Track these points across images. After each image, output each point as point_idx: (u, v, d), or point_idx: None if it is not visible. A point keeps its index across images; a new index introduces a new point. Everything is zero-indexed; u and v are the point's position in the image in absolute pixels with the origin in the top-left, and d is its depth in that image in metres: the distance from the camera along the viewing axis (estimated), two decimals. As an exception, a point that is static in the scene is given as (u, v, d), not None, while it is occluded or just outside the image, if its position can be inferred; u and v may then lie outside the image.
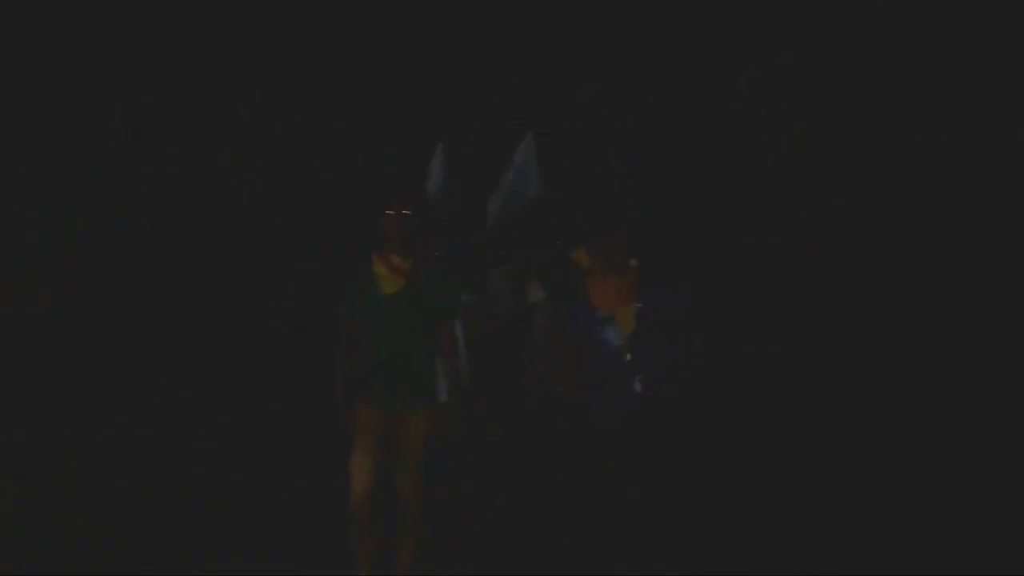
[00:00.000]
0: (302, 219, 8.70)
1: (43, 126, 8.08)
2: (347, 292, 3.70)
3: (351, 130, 8.87)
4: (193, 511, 4.49)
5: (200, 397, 6.83)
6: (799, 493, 4.54)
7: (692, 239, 7.34)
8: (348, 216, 7.63)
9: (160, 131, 8.53)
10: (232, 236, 8.64)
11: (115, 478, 4.99)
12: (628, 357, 3.52)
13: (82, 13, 8.12)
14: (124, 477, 5.01)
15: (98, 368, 7.30)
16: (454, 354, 3.73)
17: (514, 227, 5.90)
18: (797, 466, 4.93)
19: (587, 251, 3.77)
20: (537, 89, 8.11)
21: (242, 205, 8.90)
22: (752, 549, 3.86)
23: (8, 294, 7.60)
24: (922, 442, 5.26)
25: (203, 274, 8.40)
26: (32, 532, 4.14)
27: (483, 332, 5.37)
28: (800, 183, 7.77)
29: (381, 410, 3.50)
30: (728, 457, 4.77)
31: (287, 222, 8.75)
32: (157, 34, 8.31)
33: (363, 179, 8.46)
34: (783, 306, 7.17)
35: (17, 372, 6.93)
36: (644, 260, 3.65)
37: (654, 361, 3.51)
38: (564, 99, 8.22)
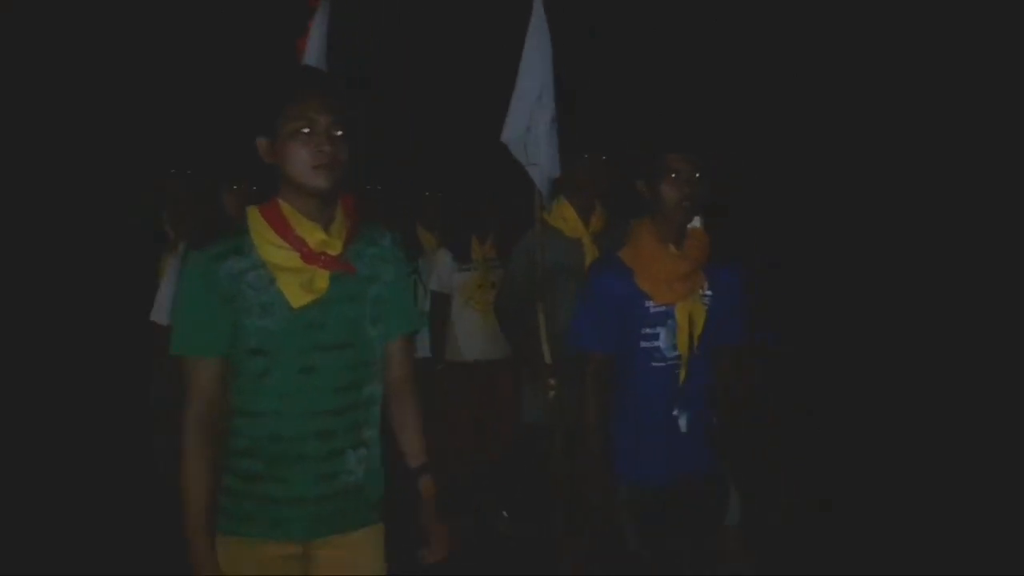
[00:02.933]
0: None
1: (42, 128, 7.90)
2: (189, 304, 1.74)
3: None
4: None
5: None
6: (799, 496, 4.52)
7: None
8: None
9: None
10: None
11: (114, 477, 4.96)
12: (681, 378, 2.24)
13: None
14: (123, 476, 4.98)
15: (98, 367, 7.25)
16: (416, 398, 1.95)
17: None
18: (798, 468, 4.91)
19: (639, 193, 2.29)
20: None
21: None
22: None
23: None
24: (922, 443, 5.25)
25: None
26: (31, 532, 4.10)
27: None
28: (800, 183, 7.76)
29: (287, 544, 1.77)
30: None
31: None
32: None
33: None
34: (780, 307, 7.15)
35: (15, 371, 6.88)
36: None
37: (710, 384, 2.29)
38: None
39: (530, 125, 2.99)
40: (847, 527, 3.99)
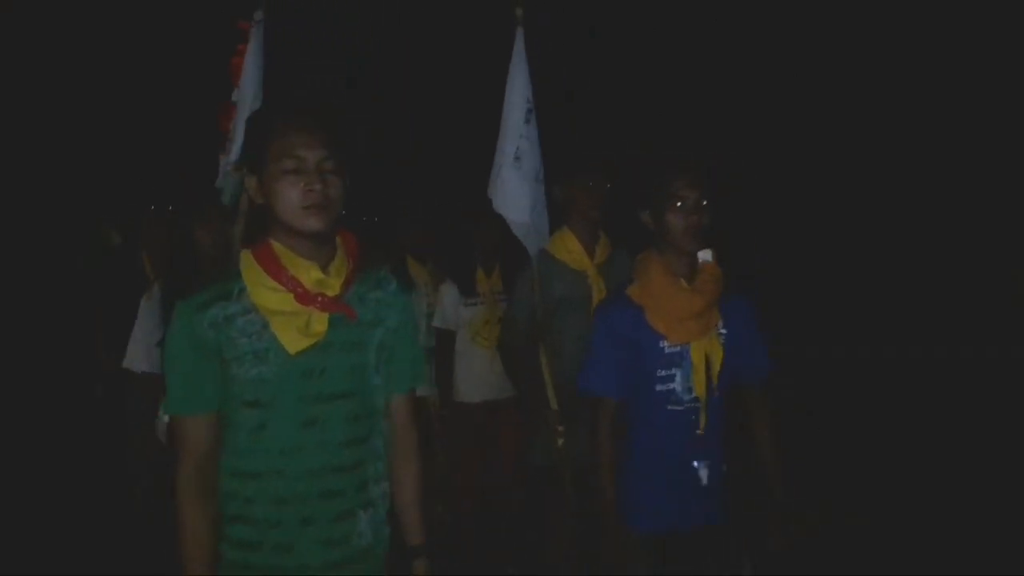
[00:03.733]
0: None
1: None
2: (175, 362, 1.62)
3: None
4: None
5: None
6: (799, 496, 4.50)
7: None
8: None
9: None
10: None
11: (113, 477, 4.94)
12: (702, 424, 2.09)
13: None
14: (122, 476, 4.96)
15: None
16: (419, 463, 1.81)
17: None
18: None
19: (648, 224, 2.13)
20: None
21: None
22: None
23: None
24: (921, 444, 5.24)
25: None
26: (31, 532, 4.08)
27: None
28: (799, 184, 7.76)
29: None
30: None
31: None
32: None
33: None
34: (777, 310, 7.13)
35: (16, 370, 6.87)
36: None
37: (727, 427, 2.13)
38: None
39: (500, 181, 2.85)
40: (847, 527, 3.98)
